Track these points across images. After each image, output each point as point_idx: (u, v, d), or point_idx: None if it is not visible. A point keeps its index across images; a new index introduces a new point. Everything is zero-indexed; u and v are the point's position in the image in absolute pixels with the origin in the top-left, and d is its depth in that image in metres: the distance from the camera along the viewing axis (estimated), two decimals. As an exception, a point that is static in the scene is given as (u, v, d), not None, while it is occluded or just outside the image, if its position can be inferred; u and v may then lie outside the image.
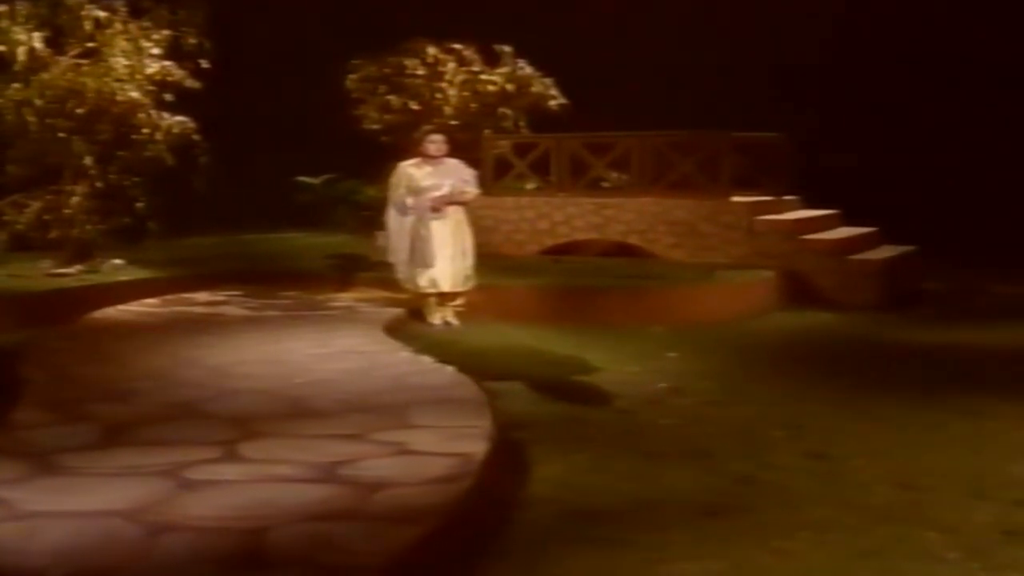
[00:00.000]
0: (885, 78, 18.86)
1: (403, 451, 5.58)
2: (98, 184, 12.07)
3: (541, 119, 15.69)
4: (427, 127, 11.17)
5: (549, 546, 4.77)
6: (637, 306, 10.94)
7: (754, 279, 12.08)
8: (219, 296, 11.65)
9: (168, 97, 12.21)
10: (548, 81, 15.78)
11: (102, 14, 11.83)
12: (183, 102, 12.35)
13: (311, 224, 15.92)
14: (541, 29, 17.44)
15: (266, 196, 16.01)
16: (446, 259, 10.27)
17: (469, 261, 10.43)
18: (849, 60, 18.91)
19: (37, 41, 11.51)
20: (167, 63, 12.10)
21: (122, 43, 11.82)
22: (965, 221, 16.25)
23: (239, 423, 6.16)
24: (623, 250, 13.47)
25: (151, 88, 12.08)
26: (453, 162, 10.55)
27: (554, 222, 13.93)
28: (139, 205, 12.25)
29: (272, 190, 15.85)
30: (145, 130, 12.03)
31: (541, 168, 14.54)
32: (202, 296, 11.62)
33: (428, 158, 10.37)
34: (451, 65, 15.83)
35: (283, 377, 7.48)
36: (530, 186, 14.66)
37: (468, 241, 10.45)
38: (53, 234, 11.99)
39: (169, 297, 11.46)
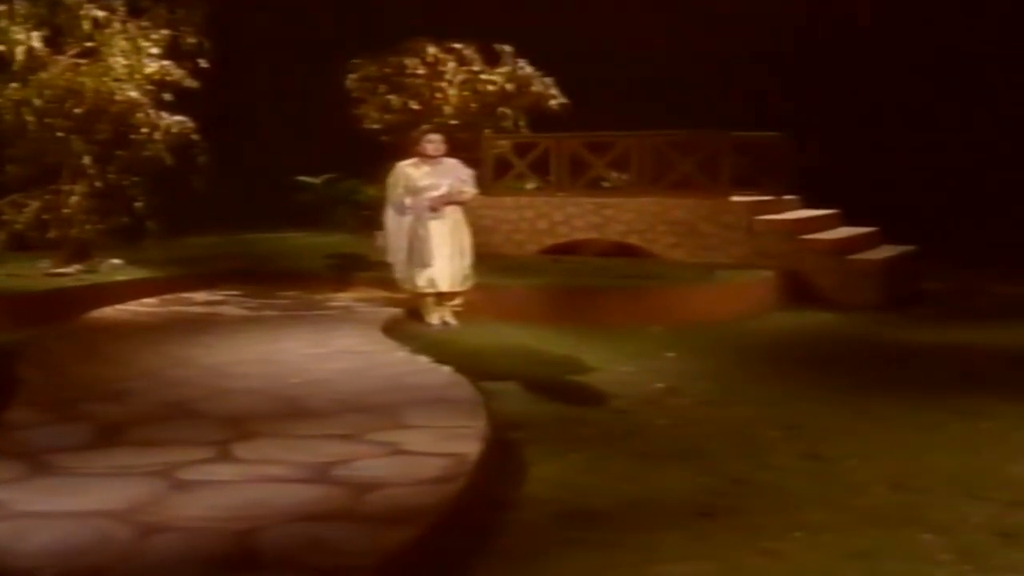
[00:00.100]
0: (885, 78, 18.82)
1: (397, 451, 5.57)
2: (97, 184, 12.07)
3: (541, 119, 15.68)
4: (425, 127, 11.13)
5: (542, 547, 4.76)
6: (636, 306, 10.92)
7: (753, 279, 12.06)
8: (217, 296, 11.66)
9: (167, 97, 12.21)
10: (548, 81, 15.77)
11: (101, 13, 11.82)
12: (182, 102, 12.35)
13: (311, 224, 15.91)
14: (541, 29, 17.40)
15: (266, 196, 15.99)
16: (444, 259, 10.26)
17: (467, 261, 10.42)
18: (849, 60, 18.87)
19: (36, 40, 11.50)
20: (166, 62, 12.10)
21: (121, 42, 11.81)
22: (965, 221, 16.21)
23: (234, 423, 6.15)
24: (623, 250, 13.45)
25: (150, 88, 12.08)
26: (451, 162, 10.54)
27: (553, 222, 13.92)
28: (138, 205, 12.24)
29: (272, 190, 15.83)
30: (144, 130, 12.02)
31: (541, 168, 14.53)
32: (200, 296, 11.63)
33: (426, 158, 10.36)
34: (451, 65, 15.82)
35: (279, 377, 7.48)
36: (530, 186, 14.65)
37: (466, 241, 10.44)
38: (52, 234, 11.99)
39: (167, 297, 11.47)
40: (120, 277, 11.75)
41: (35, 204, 11.89)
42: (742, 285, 11.85)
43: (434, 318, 10.30)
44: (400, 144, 13.16)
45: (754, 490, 5.61)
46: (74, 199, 11.95)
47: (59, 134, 11.71)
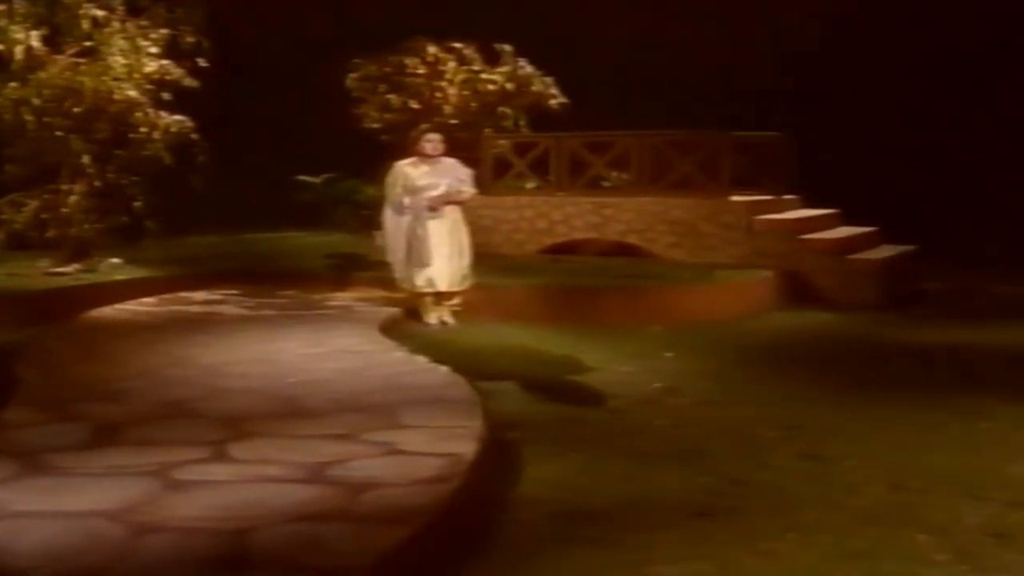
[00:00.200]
0: (885, 78, 18.80)
1: (393, 451, 5.56)
2: (96, 183, 12.08)
3: (541, 118, 15.67)
4: (424, 126, 11.12)
5: (536, 547, 4.75)
6: (635, 306, 10.91)
7: (753, 279, 12.05)
8: (216, 295, 11.65)
9: (166, 96, 12.21)
10: (548, 80, 15.77)
11: (100, 13, 11.82)
12: (181, 101, 12.34)
13: (311, 223, 15.91)
14: (541, 28, 17.40)
15: (265, 195, 15.99)
16: (443, 258, 10.25)
17: (466, 260, 10.41)
18: (849, 60, 18.85)
19: (35, 40, 11.50)
20: (165, 62, 12.10)
21: (120, 42, 11.81)
22: (965, 221, 16.20)
23: (230, 423, 6.14)
24: (622, 250, 13.44)
25: (149, 87, 12.08)
26: (450, 161, 10.53)
27: (553, 221, 13.91)
28: (137, 204, 12.25)
29: (271, 189, 15.83)
30: (143, 129, 12.02)
31: (541, 167, 14.52)
32: (199, 295, 11.62)
33: (424, 157, 10.35)
34: (451, 64, 15.83)
35: (276, 376, 7.46)
36: (530, 185, 14.64)
37: (465, 240, 10.43)
38: (51, 233, 12.00)
39: (166, 296, 11.46)
40: (119, 276, 11.74)
41: (34, 203, 11.90)
42: (741, 285, 11.84)
43: (432, 318, 10.29)
44: (400, 143, 13.16)
45: (752, 490, 5.59)
46: (73, 198, 11.95)
47: (58, 133, 11.71)
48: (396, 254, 10.39)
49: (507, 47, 15.79)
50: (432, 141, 10.43)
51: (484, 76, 15.76)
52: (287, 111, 18.06)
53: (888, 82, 18.77)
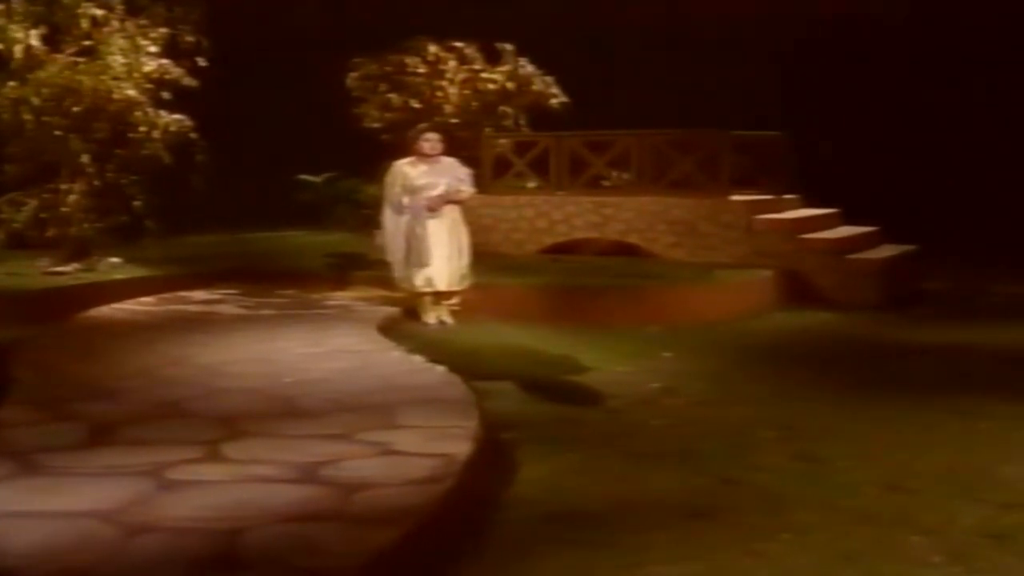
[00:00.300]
0: (885, 77, 18.78)
1: (387, 451, 5.55)
2: (95, 182, 12.06)
3: (542, 117, 15.66)
4: (422, 125, 11.11)
5: (528, 548, 4.74)
6: (634, 306, 10.89)
7: (752, 278, 12.03)
8: (215, 295, 11.64)
9: (166, 95, 12.19)
10: (549, 79, 15.75)
11: (99, 12, 11.80)
12: (181, 100, 12.33)
13: (311, 222, 15.90)
14: (542, 27, 17.38)
15: (265, 194, 15.98)
16: (442, 258, 10.23)
17: (465, 260, 10.40)
18: (849, 59, 18.83)
19: (34, 39, 11.48)
20: (164, 61, 12.08)
21: (119, 41, 11.78)
22: (966, 221, 16.18)
23: (225, 423, 6.13)
24: (622, 249, 13.42)
25: (148, 86, 12.05)
26: (448, 160, 10.52)
27: (553, 221, 13.90)
28: (136, 203, 12.22)
29: (271, 188, 15.82)
30: (142, 128, 12.00)
31: (541, 167, 14.50)
32: (198, 295, 11.61)
33: (423, 156, 10.33)
34: (452, 63, 15.82)
35: (273, 376, 7.45)
36: (531, 185, 14.62)
37: (464, 240, 10.41)
38: (50, 232, 11.98)
39: (165, 295, 11.45)
40: (118, 276, 11.73)
41: (33, 203, 11.88)
42: (741, 285, 11.82)
43: (431, 317, 10.28)
44: (401, 143, 13.16)
45: (746, 491, 5.58)
46: (72, 198, 11.94)
47: (57, 133, 11.69)
48: (395, 254, 10.37)
49: (508, 46, 15.78)
50: (430, 140, 10.41)
51: (485, 75, 15.75)
52: (287, 110, 18.04)
53: (888, 82, 18.74)
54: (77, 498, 4.76)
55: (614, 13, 18.88)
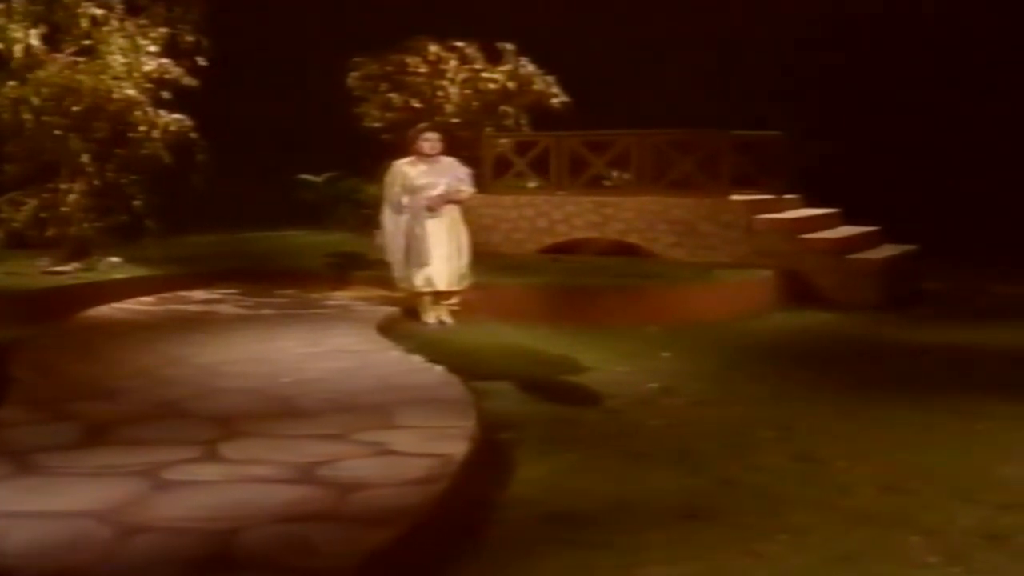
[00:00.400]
0: (886, 77, 18.77)
1: (383, 451, 5.54)
2: (95, 182, 12.05)
3: (543, 117, 15.66)
4: (421, 125, 11.09)
5: (526, 548, 4.73)
6: (633, 306, 10.88)
7: (752, 278, 12.02)
8: (215, 294, 11.64)
9: (165, 95, 12.20)
10: (550, 79, 15.77)
11: (99, 11, 11.79)
12: (181, 100, 12.33)
13: (312, 222, 15.91)
14: (543, 27, 17.37)
15: (265, 194, 15.98)
16: (442, 258, 10.23)
17: (464, 260, 10.39)
18: (850, 59, 18.82)
19: (33, 38, 11.47)
20: (164, 61, 12.08)
21: (119, 40, 11.78)
22: (966, 221, 16.16)
23: (222, 422, 6.12)
24: (623, 249, 13.41)
25: (148, 86, 12.06)
26: (448, 160, 10.51)
27: (553, 220, 13.89)
28: (136, 203, 12.22)
29: (272, 188, 15.82)
30: (142, 128, 12.00)
31: (542, 166, 14.49)
32: (198, 294, 11.61)
33: (423, 156, 10.32)
34: (453, 63, 15.83)
35: (270, 376, 7.44)
36: (531, 184, 14.61)
37: (463, 240, 10.41)
38: (50, 232, 11.98)
39: (165, 295, 11.45)
40: (118, 275, 11.73)
41: (33, 202, 11.88)
42: (740, 284, 11.81)
43: (431, 317, 10.27)
44: (401, 142, 13.17)
45: (743, 491, 5.57)
46: (72, 197, 11.94)
47: (57, 132, 11.68)
48: (395, 254, 10.36)
49: (509, 46, 15.79)
50: (430, 140, 10.40)
51: (485, 75, 15.77)
52: (288, 110, 18.05)
53: (889, 82, 18.72)
54: (73, 498, 4.75)
55: (615, 13, 18.86)
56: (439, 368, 7.72)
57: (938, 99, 18.18)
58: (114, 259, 12.20)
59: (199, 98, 12.29)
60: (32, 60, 11.56)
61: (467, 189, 10.50)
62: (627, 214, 13.42)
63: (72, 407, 6.51)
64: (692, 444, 6.46)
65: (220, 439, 5.75)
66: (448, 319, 10.30)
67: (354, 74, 15.90)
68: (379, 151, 13.82)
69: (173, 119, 12.14)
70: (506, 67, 15.77)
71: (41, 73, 11.57)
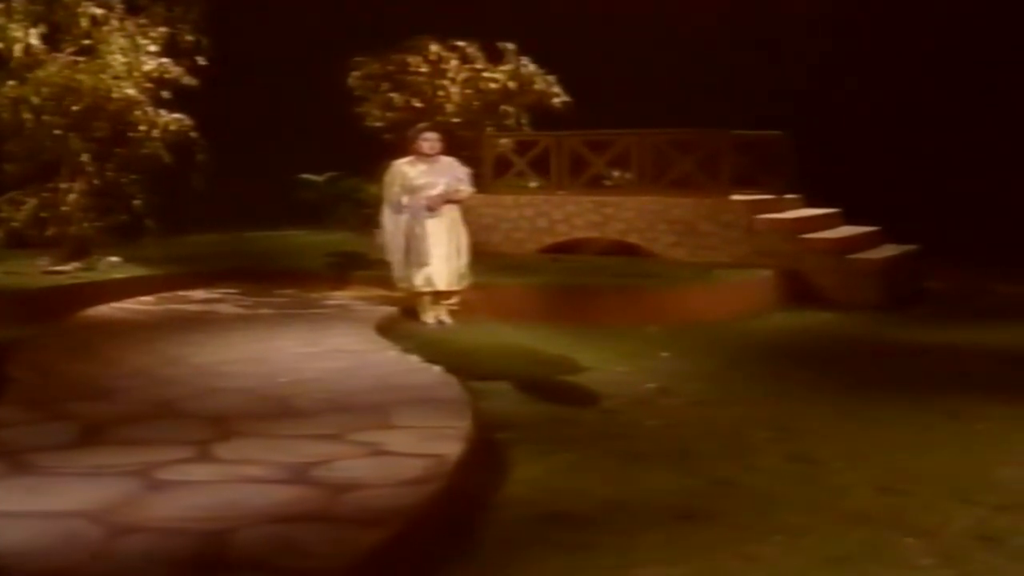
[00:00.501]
0: (886, 77, 18.73)
1: (378, 452, 5.52)
2: (95, 181, 12.06)
3: (544, 117, 15.65)
4: (421, 124, 11.08)
5: (518, 549, 4.72)
6: (633, 305, 10.86)
7: (752, 278, 12.00)
8: (215, 294, 11.64)
9: (165, 94, 12.19)
10: (551, 78, 15.75)
11: (98, 11, 11.80)
12: (181, 99, 12.33)
13: (313, 222, 15.91)
14: (544, 26, 17.35)
15: (266, 193, 15.97)
16: (441, 258, 10.22)
17: (464, 259, 10.38)
18: (850, 59, 18.78)
19: (33, 38, 11.48)
20: (164, 60, 12.08)
21: (119, 40, 11.78)
22: (966, 220, 16.13)
23: (217, 422, 6.11)
24: (623, 249, 13.39)
25: (148, 85, 12.06)
26: (447, 160, 10.49)
27: (553, 220, 13.88)
28: (136, 202, 12.22)
29: (273, 188, 15.82)
30: (142, 127, 12.01)
31: (542, 166, 14.48)
32: (198, 294, 11.61)
33: (422, 156, 10.31)
34: (454, 62, 15.83)
35: (268, 376, 7.43)
36: (532, 184, 14.60)
37: (463, 239, 10.40)
38: (50, 231, 11.98)
39: (165, 295, 11.45)
40: (118, 275, 11.73)
41: (33, 202, 11.88)
42: (740, 284, 11.79)
43: (430, 317, 10.26)
44: (402, 142, 13.16)
45: (738, 492, 5.56)
46: (72, 197, 11.94)
47: (57, 132, 11.68)
48: (395, 253, 10.35)
49: (510, 45, 15.77)
50: (429, 140, 10.39)
51: (486, 74, 15.76)
52: (288, 109, 18.04)
53: (890, 81, 18.69)
54: (65, 498, 4.74)
55: (615, 13, 18.83)
56: (437, 368, 7.71)
57: (939, 99, 18.14)
58: (114, 259, 12.20)
59: (199, 98, 12.28)
60: (32, 59, 11.57)
61: (466, 189, 10.48)
62: (627, 214, 13.40)
63: (69, 407, 6.51)
64: (689, 444, 6.45)
65: (215, 439, 5.74)
66: (447, 319, 10.29)
67: (355, 73, 15.88)
68: (380, 150, 13.81)
69: (173, 119, 12.14)
70: (507, 67, 15.76)
71: (41, 72, 11.57)
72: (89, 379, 7.38)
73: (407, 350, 8.52)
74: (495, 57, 15.89)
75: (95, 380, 7.33)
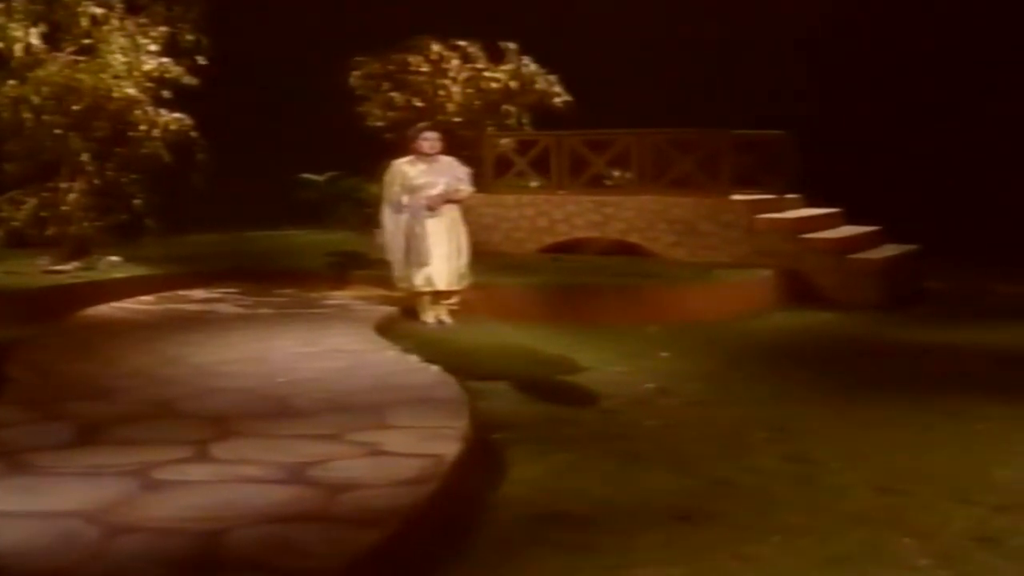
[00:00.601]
0: (887, 77, 18.72)
1: (375, 452, 5.52)
2: (95, 181, 12.07)
3: (545, 116, 15.64)
4: (421, 124, 11.07)
5: (515, 549, 4.71)
6: (632, 305, 10.87)
7: (752, 278, 12.00)
8: (215, 294, 11.64)
9: (166, 94, 12.19)
10: (552, 78, 15.74)
11: (99, 10, 11.80)
12: (181, 99, 12.33)
13: (314, 221, 15.90)
14: (545, 26, 17.35)
15: (266, 193, 15.96)
16: (441, 258, 10.21)
17: (464, 259, 10.37)
18: (851, 58, 18.77)
19: (34, 37, 11.49)
20: (164, 60, 12.08)
21: (119, 39, 11.79)
22: (967, 221, 16.11)
23: (215, 422, 6.11)
24: (623, 248, 13.39)
25: (148, 85, 12.06)
26: (447, 159, 10.49)
27: (553, 220, 13.87)
28: (136, 202, 12.24)
29: (273, 187, 15.81)
30: (142, 127, 12.01)
31: (543, 166, 14.47)
32: (198, 294, 11.61)
33: (422, 155, 10.30)
34: (455, 62, 15.82)
35: (266, 376, 7.43)
36: (533, 184, 14.59)
37: (463, 239, 10.39)
38: (50, 231, 12.00)
39: (165, 294, 11.45)
40: (118, 275, 11.74)
41: (33, 201, 11.89)
42: (740, 284, 11.79)
43: (430, 317, 10.25)
44: (403, 141, 13.16)
45: (737, 492, 5.55)
46: (72, 196, 11.95)
47: (57, 131, 11.69)
48: (395, 253, 10.34)
49: (511, 45, 15.76)
50: (429, 139, 10.37)
51: (488, 74, 15.75)
52: (289, 109, 18.03)
53: (891, 81, 18.68)
54: (61, 498, 4.74)
55: (615, 12, 18.83)
56: (435, 368, 7.70)
57: (939, 99, 18.13)
58: (114, 258, 12.20)
59: (199, 98, 12.28)
60: (32, 59, 11.58)
61: (466, 188, 10.47)
62: (628, 213, 13.40)
63: (67, 407, 6.51)
64: (687, 445, 6.45)
65: (213, 439, 5.74)
66: (447, 319, 10.28)
67: (356, 73, 15.88)
68: (381, 150, 13.80)
69: (173, 118, 12.15)
70: (508, 66, 15.75)
71: (41, 72, 11.58)
72: (88, 379, 7.38)
73: (406, 350, 8.51)
74: (496, 57, 15.88)
75: (94, 380, 7.33)
